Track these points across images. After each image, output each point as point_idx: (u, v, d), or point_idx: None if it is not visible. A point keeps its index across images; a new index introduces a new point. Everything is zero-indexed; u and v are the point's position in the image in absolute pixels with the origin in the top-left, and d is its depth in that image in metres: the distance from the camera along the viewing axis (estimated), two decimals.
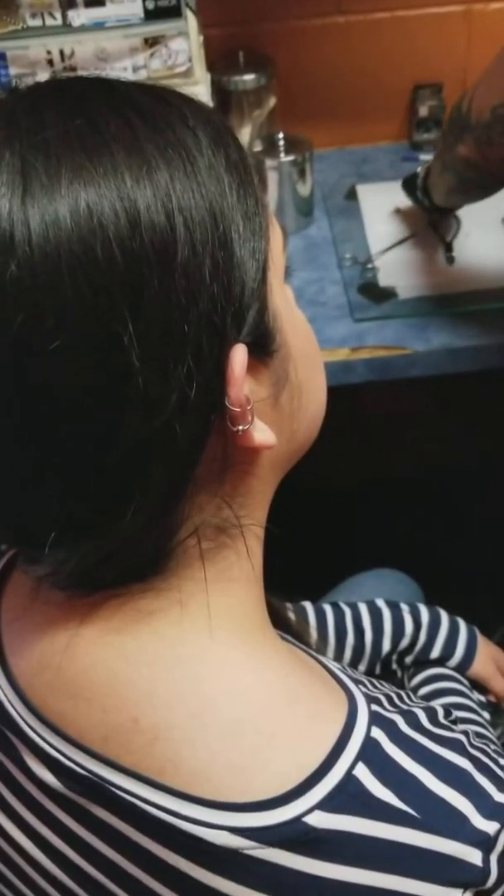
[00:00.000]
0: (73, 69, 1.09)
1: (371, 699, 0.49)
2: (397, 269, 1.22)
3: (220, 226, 0.43)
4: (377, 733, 0.46)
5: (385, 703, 0.49)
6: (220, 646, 0.48)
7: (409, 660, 0.92)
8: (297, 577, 0.83)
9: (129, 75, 1.11)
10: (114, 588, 0.47)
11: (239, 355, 0.43)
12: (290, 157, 1.27)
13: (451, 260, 1.22)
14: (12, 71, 1.09)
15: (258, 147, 1.30)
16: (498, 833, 0.45)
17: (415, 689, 0.89)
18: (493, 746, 0.55)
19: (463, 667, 0.91)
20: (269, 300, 0.47)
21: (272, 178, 1.27)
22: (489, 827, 0.45)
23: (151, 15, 1.08)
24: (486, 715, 0.86)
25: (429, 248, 1.26)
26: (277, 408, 0.49)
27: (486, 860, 0.45)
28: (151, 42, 1.09)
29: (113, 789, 0.45)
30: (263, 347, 0.46)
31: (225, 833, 0.43)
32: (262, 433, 0.46)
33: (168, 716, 0.45)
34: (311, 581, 1.01)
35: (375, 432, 1.58)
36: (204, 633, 0.48)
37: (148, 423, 0.41)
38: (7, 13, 1.06)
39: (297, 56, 1.40)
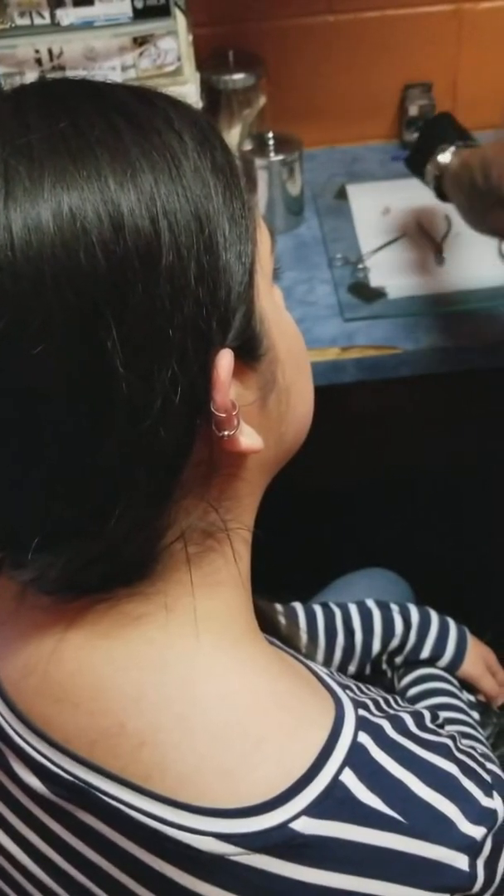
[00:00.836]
0: (62, 68, 1.09)
1: (358, 704, 0.49)
2: (387, 268, 1.22)
3: (205, 230, 0.43)
4: (364, 738, 0.46)
5: (372, 708, 0.49)
6: (207, 650, 0.47)
7: (399, 660, 0.92)
8: (287, 577, 0.83)
9: (118, 75, 1.10)
10: (100, 592, 0.47)
11: (225, 360, 0.43)
12: (280, 157, 1.26)
13: (441, 260, 1.22)
14: (0, 70, 1.08)
15: (248, 146, 1.29)
16: (484, 838, 0.45)
17: (405, 690, 0.90)
18: (480, 749, 0.55)
19: (453, 667, 0.91)
20: (256, 304, 0.46)
21: (262, 178, 1.27)
22: (476, 832, 0.45)
23: (140, 14, 1.07)
24: (476, 715, 0.86)
25: (419, 248, 1.26)
26: (265, 412, 0.49)
27: (472, 865, 0.45)
28: (140, 41, 1.09)
29: (99, 795, 0.45)
30: (250, 352, 0.46)
31: (211, 839, 0.43)
32: (248, 438, 0.46)
33: (155, 720, 0.45)
34: (301, 581, 1.01)
35: (365, 432, 1.58)
36: (191, 637, 0.47)
37: (132, 428, 0.41)
38: None
39: (286, 55, 1.39)
